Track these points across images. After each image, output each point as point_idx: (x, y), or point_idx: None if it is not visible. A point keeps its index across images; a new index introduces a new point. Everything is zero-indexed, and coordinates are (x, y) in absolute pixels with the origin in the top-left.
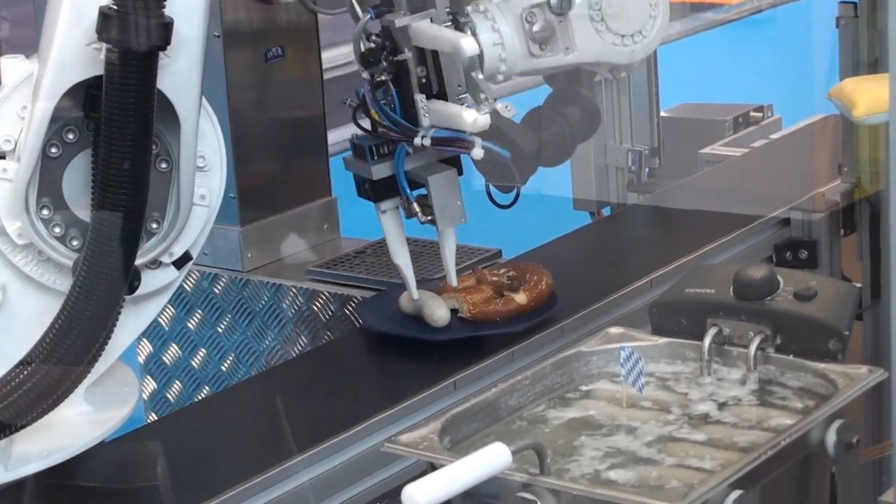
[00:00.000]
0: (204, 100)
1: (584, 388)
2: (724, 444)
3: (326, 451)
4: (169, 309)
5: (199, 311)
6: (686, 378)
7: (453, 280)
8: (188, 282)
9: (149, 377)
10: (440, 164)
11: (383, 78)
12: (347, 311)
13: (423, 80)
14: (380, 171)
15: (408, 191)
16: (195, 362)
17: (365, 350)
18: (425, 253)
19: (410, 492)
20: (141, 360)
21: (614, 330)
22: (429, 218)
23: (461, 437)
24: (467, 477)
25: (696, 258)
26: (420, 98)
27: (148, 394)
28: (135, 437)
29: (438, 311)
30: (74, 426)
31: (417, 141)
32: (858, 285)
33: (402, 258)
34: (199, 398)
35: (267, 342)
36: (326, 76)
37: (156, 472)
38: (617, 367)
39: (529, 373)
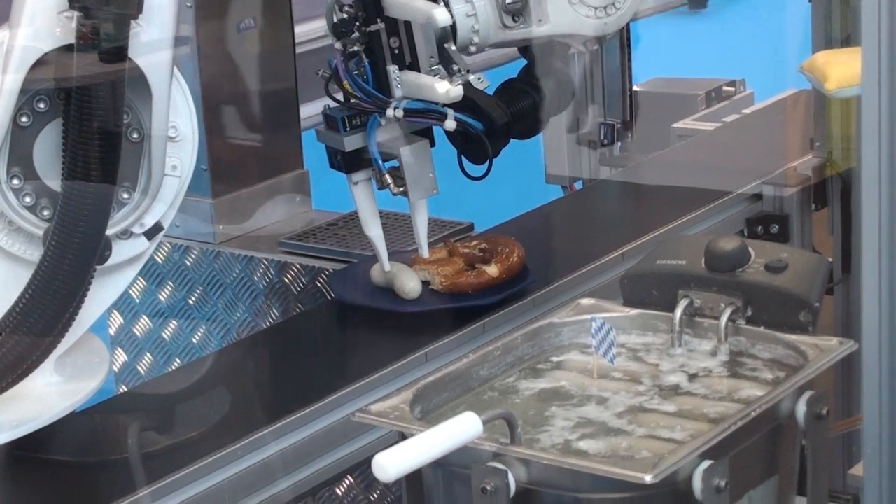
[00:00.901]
0: (176, 70)
1: (555, 358)
2: (695, 415)
3: (297, 423)
4: (140, 281)
5: (171, 283)
6: (657, 349)
7: (425, 252)
8: (159, 254)
9: (119, 349)
10: (412, 135)
11: (356, 49)
12: (319, 284)
13: (396, 52)
14: (352, 142)
15: (380, 162)
16: (166, 334)
17: (336, 322)
18: (397, 226)
19: (380, 460)
20: (112, 332)
21: (586, 301)
22: (401, 189)
23: (432, 407)
24: (438, 446)
25: (667, 232)
26: (393, 69)
27: (119, 366)
28: (103, 409)
29: (410, 283)
30: (45, 397)
31: (390, 112)
32: (830, 259)
33: (374, 230)
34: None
35: (238, 314)
36: (299, 50)
37: (125, 445)
38: (588, 339)
39: (500, 343)
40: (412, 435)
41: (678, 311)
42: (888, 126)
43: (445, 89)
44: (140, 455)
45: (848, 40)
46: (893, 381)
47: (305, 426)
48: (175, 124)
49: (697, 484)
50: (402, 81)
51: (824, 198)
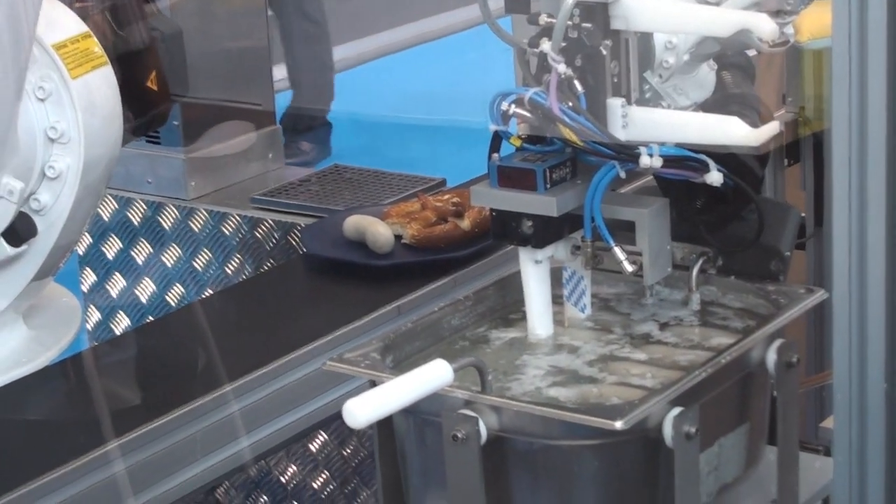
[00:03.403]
0: (63, 68)
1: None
2: (666, 363)
3: (269, 375)
4: (112, 238)
5: (143, 240)
6: (628, 299)
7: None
8: (132, 211)
9: (92, 307)
10: (642, 195)
11: (568, 73)
12: (291, 239)
13: (615, 80)
14: (564, 203)
15: (606, 232)
16: (139, 292)
17: (308, 275)
18: (368, 182)
19: (350, 407)
20: (84, 289)
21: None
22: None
23: (403, 356)
24: (408, 393)
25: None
26: (617, 102)
27: (92, 324)
28: (72, 365)
29: (382, 237)
30: (16, 351)
31: (645, 161)
32: (802, 214)
33: (546, 329)
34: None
35: (212, 271)
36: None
37: (93, 400)
38: (560, 288)
39: (472, 293)
40: (383, 383)
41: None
42: (858, 77)
43: (747, 131)
44: (109, 410)
45: None
46: (863, 332)
47: (277, 379)
48: (56, 124)
49: (668, 430)
50: (632, 119)
51: (797, 153)
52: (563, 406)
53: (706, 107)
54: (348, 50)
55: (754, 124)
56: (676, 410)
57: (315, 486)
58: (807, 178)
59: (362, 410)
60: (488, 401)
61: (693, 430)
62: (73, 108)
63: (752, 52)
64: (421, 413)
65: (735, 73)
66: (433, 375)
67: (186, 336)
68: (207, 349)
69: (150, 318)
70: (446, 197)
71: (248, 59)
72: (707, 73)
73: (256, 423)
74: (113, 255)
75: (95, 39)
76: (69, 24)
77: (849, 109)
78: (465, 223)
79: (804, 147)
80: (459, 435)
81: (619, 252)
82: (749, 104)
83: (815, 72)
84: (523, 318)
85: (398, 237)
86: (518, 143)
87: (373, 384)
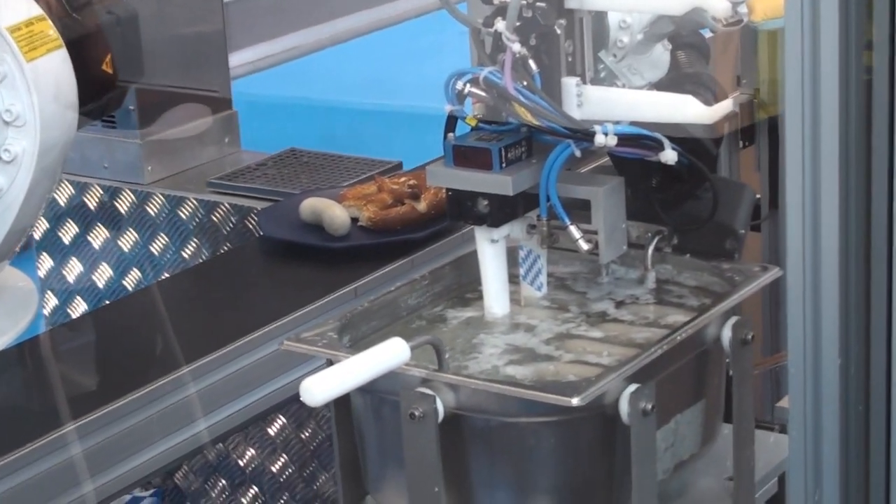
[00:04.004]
0: (13, 44)
1: (482, 287)
2: (622, 340)
3: (226, 357)
4: (69, 223)
5: (100, 224)
6: (584, 278)
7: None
8: (89, 196)
9: (49, 292)
10: (597, 174)
11: (522, 52)
12: (248, 223)
13: (570, 59)
14: (519, 182)
15: (562, 210)
16: (96, 277)
17: (264, 258)
18: (324, 165)
19: (308, 385)
20: (41, 274)
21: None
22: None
23: (360, 335)
24: (365, 371)
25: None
26: (571, 81)
27: (49, 309)
28: (28, 348)
29: (338, 219)
30: None
31: (600, 139)
32: (758, 196)
33: (502, 308)
34: None
35: (168, 255)
36: None
37: (50, 383)
38: (516, 268)
39: (428, 272)
40: (340, 362)
41: None
42: (810, 57)
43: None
44: (66, 393)
45: None
46: (817, 307)
47: (234, 361)
48: (11, 107)
49: (624, 407)
50: (586, 98)
51: (752, 135)
52: (520, 383)
53: (661, 87)
54: (306, 37)
55: (708, 103)
56: (633, 387)
57: (274, 469)
58: (762, 159)
59: (319, 388)
60: (445, 378)
61: (649, 406)
62: (28, 91)
63: (708, 35)
64: (378, 392)
65: (689, 53)
66: (390, 353)
67: (143, 319)
68: (164, 332)
69: (107, 302)
70: (402, 179)
71: (205, 45)
72: (661, 53)
73: (214, 406)
74: (69, 239)
75: (50, 22)
76: (23, 7)
77: (801, 88)
78: (422, 205)
79: (759, 129)
80: (417, 413)
81: (574, 230)
82: (703, 83)
83: (770, 54)
84: (480, 297)
85: (354, 220)
86: (473, 122)
87: (330, 363)
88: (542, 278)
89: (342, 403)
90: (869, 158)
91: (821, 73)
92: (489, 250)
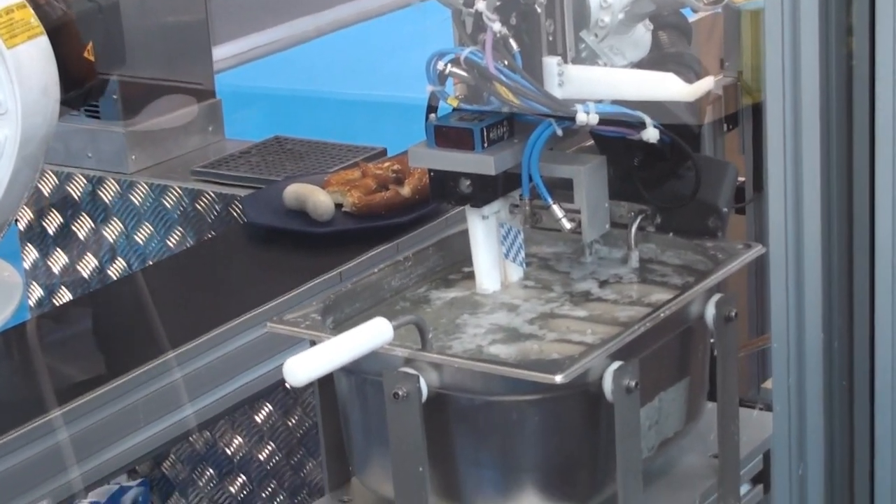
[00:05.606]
0: None
1: (466, 269)
2: (605, 319)
3: (213, 342)
4: (53, 214)
5: (84, 214)
6: (568, 258)
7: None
8: (73, 186)
9: (34, 284)
10: (581, 153)
11: (503, 31)
12: (233, 211)
13: (551, 38)
14: (502, 162)
15: (545, 189)
16: (81, 267)
17: (249, 244)
18: (308, 152)
19: (291, 365)
20: (27, 265)
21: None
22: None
23: (344, 317)
24: (348, 351)
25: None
26: (553, 61)
27: (34, 301)
28: (13, 335)
29: (322, 205)
30: None
31: (582, 118)
32: (742, 179)
33: (494, 284)
34: None
35: (153, 244)
36: None
37: (34, 370)
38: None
39: (411, 253)
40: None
41: None
42: (791, 38)
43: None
44: (52, 379)
45: None
46: (800, 283)
47: (220, 346)
48: None
49: (608, 385)
50: (568, 77)
51: (735, 118)
52: (504, 362)
53: (642, 66)
54: (290, 29)
55: (689, 81)
56: (616, 364)
57: (261, 457)
58: (745, 142)
59: (302, 368)
60: (429, 358)
61: (633, 383)
62: (10, 79)
63: (692, 19)
64: (362, 372)
65: (671, 33)
66: (374, 333)
67: (128, 305)
68: (149, 317)
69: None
70: (386, 164)
71: (188, 35)
72: (643, 33)
73: (200, 391)
74: (54, 230)
75: (31, 10)
76: None
77: (782, 72)
78: (406, 190)
79: (743, 112)
80: (400, 393)
81: (557, 210)
82: (685, 63)
83: (753, 38)
84: (463, 278)
85: (339, 205)
86: (455, 102)
87: (313, 345)
88: (523, 254)
89: (326, 385)
90: (850, 141)
91: (801, 58)
92: (480, 226)
